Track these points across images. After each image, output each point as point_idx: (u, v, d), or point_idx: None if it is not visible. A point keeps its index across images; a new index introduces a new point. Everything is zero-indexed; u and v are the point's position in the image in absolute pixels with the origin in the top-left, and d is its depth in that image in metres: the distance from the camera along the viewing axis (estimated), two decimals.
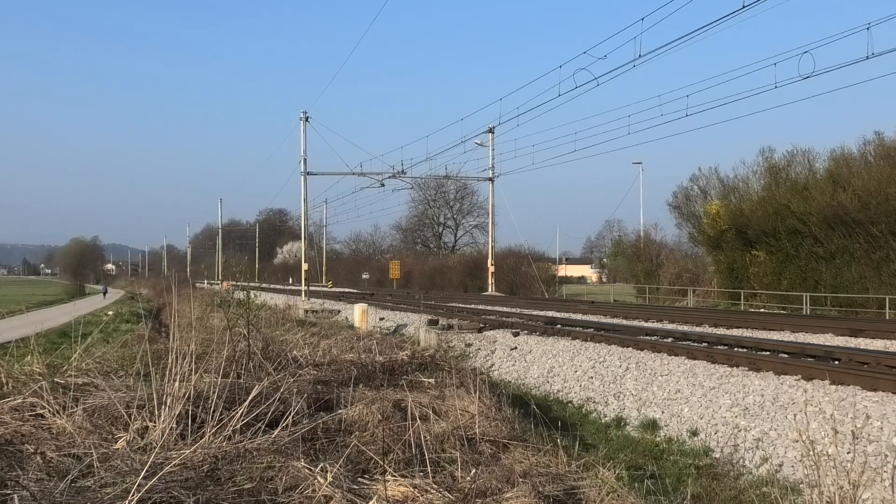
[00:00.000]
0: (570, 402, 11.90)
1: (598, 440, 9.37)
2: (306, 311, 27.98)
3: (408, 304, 29.77)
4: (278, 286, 65.66)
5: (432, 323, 20.18)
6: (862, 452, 6.94)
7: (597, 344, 14.17)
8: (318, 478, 5.66)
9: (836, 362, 10.46)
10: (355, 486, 5.68)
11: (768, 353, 12.04)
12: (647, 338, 14.52)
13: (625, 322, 19.49)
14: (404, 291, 50.08)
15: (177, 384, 7.62)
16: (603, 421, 10.64)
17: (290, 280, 78.19)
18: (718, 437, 8.80)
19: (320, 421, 7.59)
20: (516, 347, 15.67)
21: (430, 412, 8.06)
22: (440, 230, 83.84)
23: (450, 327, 18.83)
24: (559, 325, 18.01)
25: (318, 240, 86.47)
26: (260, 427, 7.02)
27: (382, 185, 38.00)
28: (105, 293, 72.76)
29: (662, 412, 10.06)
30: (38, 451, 6.68)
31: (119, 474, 5.82)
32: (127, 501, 5.06)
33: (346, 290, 53.46)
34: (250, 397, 7.39)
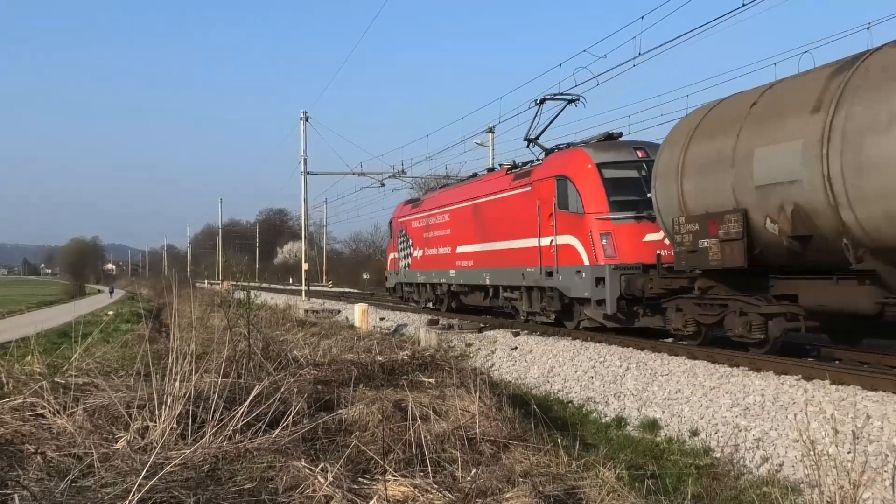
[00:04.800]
0: (571, 401, 11.90)
1: (598, 440, 9.37)
2: (306, 311, 27.98)
3: (408, 304, 29.77)
4: (278, 286, 65.66)
5: (432, 323, 20.18)
6: (862, 452, 6.94)
7: (597, 344, 14.16)
8: (319, 478, 5.66)
9: (837, 362, 10.46)
10: (355, 486, 5.69)
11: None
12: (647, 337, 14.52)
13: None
14: None
15: (177, 384, 7.62)
16: (603, 421, 10.64)
17: (291, 280, 78.22)
18: (719, 436, 8.80)
19: (320, 421, 7.59)
20: (516, 347, 15.67)
21: (431, 412, 8.07)
22: None
23: (450, 327, 18.82)
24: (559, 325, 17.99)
25: (318, 240, 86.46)
26: (260, 427, 7.02)
27: (382, 184, 38.00)
28: (112, 292, 73.73)
29: (663, 412, 10.06)
30: (39, 450, 6.68)
31: (119, 474, 5.83)
32: (127, 501, 5.06)
33: (347, 289, 53.46)
34: (250, 397, 7.39)
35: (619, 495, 5.72)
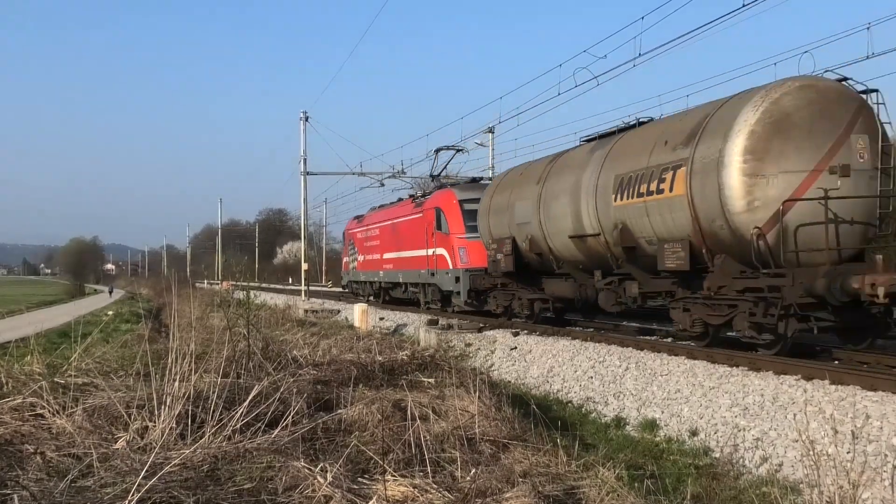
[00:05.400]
0: (570, 401, 11.90)
1: (597, 440, 9.37)
2: (306, 311, 27.96)
3: (407, 304, 29.74)
4: (278, 286, 65.62)
5: (432, 323, 20.16)
6: (862, 452, 6.94)
7: (597, 344, 14.16)
8: (318, 478, 5.66)
9: (837, 362, 10.46)
10: (355, 486, 5.69)
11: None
12: (647, 338, 14.51)
13: (625, 322, 19.45)
14: None
15: (177, 384, 7.62)
16: (603, 421, 10.64)
17: (290, 280, 78.17)
18: (718, 436, 8.81)
19: (320, 421, 7.59)
20: (516, 347, 15.67)
21: (430, 412, 8.07)
22: None
23: (450, 327, 18.81)
24: (559, 325, 18.00)
25: (317, 240, 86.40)
26: (260, 427, 7.02)
27: (382, 184, 37.95)
28: (111, 292, 74.00)
29: (662, 412, 10.06)
30: (38, 451, 6.69)
31: (119, 474, 5.83)
32: (127, 501, 5.06)
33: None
34: (250, 397, 7.39)
35: (618, 495, 5.72)
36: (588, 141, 15.62)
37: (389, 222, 28.13)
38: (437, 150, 27.20)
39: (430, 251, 22.94)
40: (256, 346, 11.16)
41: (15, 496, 5.34)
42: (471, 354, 16.19)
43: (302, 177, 35.89)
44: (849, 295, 9.48)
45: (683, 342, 13.52)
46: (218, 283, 55.62)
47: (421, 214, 24.25)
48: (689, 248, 11.39)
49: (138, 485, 5.18)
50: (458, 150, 27.49)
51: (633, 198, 12.55)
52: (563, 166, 15.67)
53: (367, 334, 18.16)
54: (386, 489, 5.53)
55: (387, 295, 29.70)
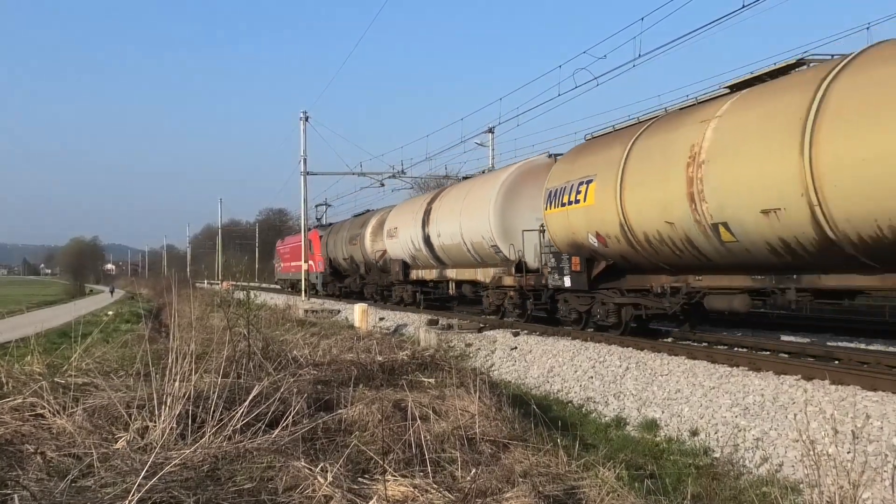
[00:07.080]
0: (570, 401, 11.89)
1: (598, 440, 9.36)
2: (306, 311, 27.97)
3: (408, 304, 29.74)
4: (278, 286, 65.57)
5: (432, 323, 20.17)
6: (862, 452, 6.94)
7: (597, 344, 14.17)
8: (318, 478, 5.66)
9: (836, 362, 10.46)
10: (355, 486, 5.69)
11: (768, 352, 12.04)
12: (647, 338, 14.52)
13: None
14: None
15: (177, 384, 7.62)
16: (603, 421, 10.63)
17: None
18: (718, 436, 8.80)
19: (320, 421, 7.59)
20: (516, 347, 15.66)
21: (430, 412, 8.07)
22: None
23: (450, 327, 18.81)
24: (559, 325, 17.99)
25: None
26: (260, 427, 7.02)
27: (382, 184, 37.99)
28: (112, 292, 74.23)
29: (662, 412, 10.06)
30: (38, 451, 6.69)
31: (119, 474, 5.83)
32: (127, 501, 5.06)
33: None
34: (250, 397, 7.39)
35: (618, 495, 5.72)
36: (354, 216, 37.03)
37: (295, 244, 46.32)
38: (318, 206, 48.11)
39: (308, 262, 40.43)
40: (256, 346, 11.16)
41: (15, 496, 5.34)
42: (471, 354, 16.18)
43: (302, 177, 35.93)
44: (388, 286, 30.47)
45: (684, 342, 13.55)
46: (218, 283, 55.67)
47: (304, 241, 43.53)
48: (365, 264, 33.06)
49: (138, 485, 5.18)
50: (328, 206, 48.63)
51: (351, 245, 34.15)
52: (346, 226, 36.46)
53: (367, 334, 18.15)
54: (386, 489, 5.53)
55: (293, 287, 47.39)
